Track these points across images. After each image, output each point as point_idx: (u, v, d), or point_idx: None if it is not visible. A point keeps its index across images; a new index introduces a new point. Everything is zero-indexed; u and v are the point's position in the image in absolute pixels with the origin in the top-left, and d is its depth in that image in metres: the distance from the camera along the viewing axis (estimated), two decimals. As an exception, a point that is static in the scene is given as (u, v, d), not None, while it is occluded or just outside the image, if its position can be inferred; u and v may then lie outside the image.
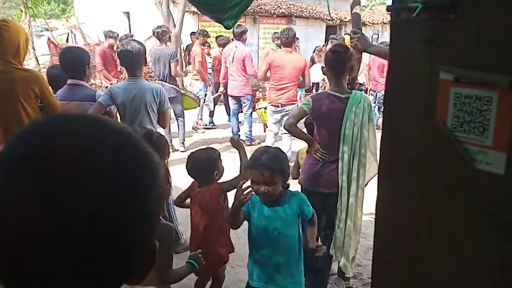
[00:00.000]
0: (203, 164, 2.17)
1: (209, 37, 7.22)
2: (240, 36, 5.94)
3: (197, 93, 6.40)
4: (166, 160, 2.31)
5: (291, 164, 4.36)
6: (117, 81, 5.86)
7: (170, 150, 5.29)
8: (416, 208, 1.12)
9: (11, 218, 0.39)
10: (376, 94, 7.10)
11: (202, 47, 6.82)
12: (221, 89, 6.77)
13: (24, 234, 0.39)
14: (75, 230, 0.40)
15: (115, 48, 6.38)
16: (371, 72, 7.28)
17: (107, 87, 5.21)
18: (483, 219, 0.97)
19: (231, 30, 5.01)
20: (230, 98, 6.20)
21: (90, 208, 0.40)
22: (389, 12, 1.12)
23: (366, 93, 4.36)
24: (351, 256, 2.49)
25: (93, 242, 0.41)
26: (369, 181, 2.50)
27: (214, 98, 7.14)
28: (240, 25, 6.35)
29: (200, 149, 2.32)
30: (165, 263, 1.62)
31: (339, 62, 2.43)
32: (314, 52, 9.97)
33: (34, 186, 0.39)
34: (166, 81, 5.42)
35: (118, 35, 6.53)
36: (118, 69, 6.38)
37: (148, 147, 0.49)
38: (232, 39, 6.53)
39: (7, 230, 0.39)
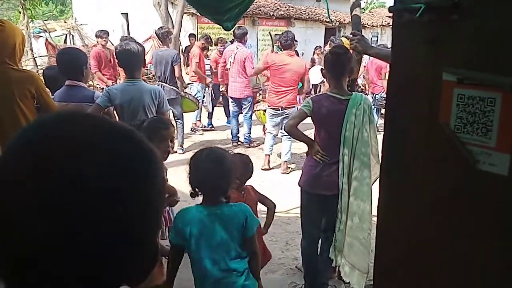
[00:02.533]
0: (250, 166, 2.35)
1: (211, 45, 7.18)
2: (242, 37, 5.93)
3: (195, 95, 6.40)
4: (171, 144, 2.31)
5: (291, 166, 4.28)
6: (112, 83, 5.84)
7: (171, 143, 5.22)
8: (419, 210, 1.11)
9: (16, 219, 0.39)
10: (374, 96, 7.10)
11: (202, 50, 6.79)
12: (222, 88, 6.77)
13: (26, 232, 0.39)
14: (78, 224, 0.40)
15: (111, 47, 6.37)
16: (369, 74, 7.28)
17: (102, 89, 5.19)
18: (487, 220, 0.96)
19: (231, 31, 5.01)
20: (230, 100, 6.18)
21: (95, 205, 0.40)
22: (391, 13, 1.11)
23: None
24: (364, 270, 2.38)
25: (98, 237, 0.41)
26: (372, 184, 2.49)
27: (213, 100, 7.13)
28: (240, 26, 6.34)
29: (235, 153, 2.51)
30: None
31: (339, 64, 2.42)
32: (314, 53, 9.97)
33: (37, 188, 0.40)
34: (166, 83, 5.40)
35: (108, 33, 6.51)
36: (117, 70, 6.36)
37: (150, 144, 0.49)
38: (231, 41, 6.52)
39: (11, 231, 0.39)
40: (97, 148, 0.43)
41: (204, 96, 6.89)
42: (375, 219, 1.24)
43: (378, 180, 1.24)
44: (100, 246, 0.41)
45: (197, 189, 1.74)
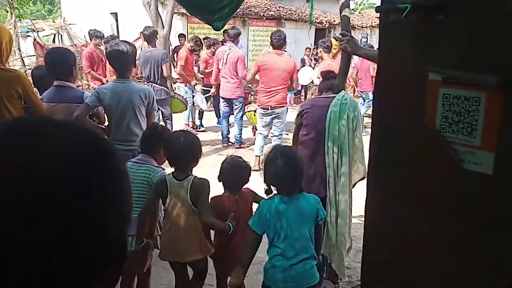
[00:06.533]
0: (246, 171, 2.33)
1: (201, 48, 7.11)
2: (235, 37, 5.89)
3: (183, 96, 6.37)
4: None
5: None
6: (107, 81, 5.80)
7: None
8: (406, 209, 1.12)
9: None
10: (361, 95, 7.21)
11: (191, 53, 6.72)
12: (212, 90, 6.73)
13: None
14: (44, 220, 0.40)
15: (102, 48, 6.33)
16: (359, 74, 7.35)
17: (94, 88, 5.16)
18: (473, 219, 0.97)
19: (220, 32, 5.01)
20: (221, 100, 6.16)
21: (59, 210, 0.40)
22: (378, 13, 1.12)
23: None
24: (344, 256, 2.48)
25: (65, 238, 0.41)
26: (356, 183, 2.51)
27: (206, 99, 7.09)
28: (234, 27, 6.31)
29: (233, 156, 2.45)
30: (206, 205, 2.08)
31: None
32: (304, 54, 10.03)
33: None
34: (156, 83, 5.37)
35: (103, 35, 6.45)
36: (106, 70, 6.31)
37: (112, 146, 0.50)
38: (221, 42, 6.51)
39: None
40: (52, 141, 0.43)
41: (193, 97, 6.85)
42: (362, 219, 1.25)
43: (365, 180, 1.25)
44: (64, 243, 0.41)
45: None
